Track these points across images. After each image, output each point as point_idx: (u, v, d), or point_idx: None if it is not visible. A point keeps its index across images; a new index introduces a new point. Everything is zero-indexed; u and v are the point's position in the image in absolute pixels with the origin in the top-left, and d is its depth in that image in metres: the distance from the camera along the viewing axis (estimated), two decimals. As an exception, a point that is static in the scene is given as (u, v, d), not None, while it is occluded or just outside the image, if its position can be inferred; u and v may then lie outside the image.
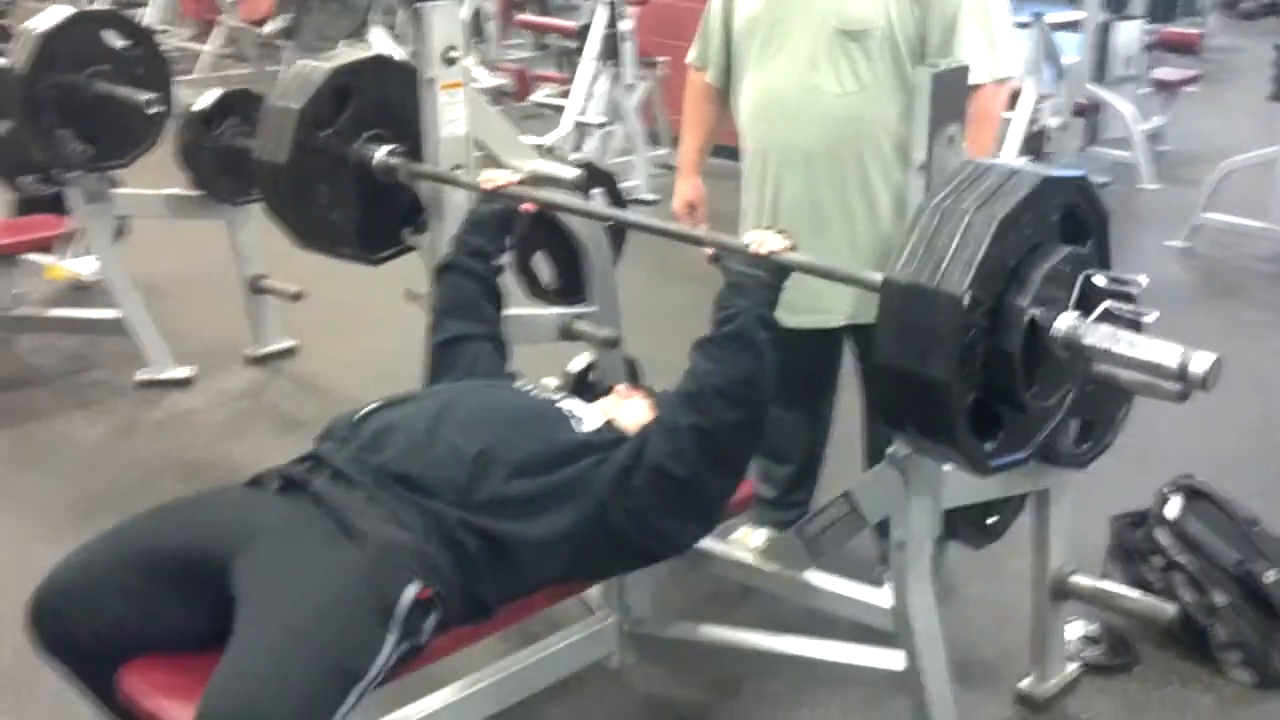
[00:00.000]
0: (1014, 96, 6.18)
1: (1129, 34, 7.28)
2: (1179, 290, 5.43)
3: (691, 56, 3.04)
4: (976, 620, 2.99)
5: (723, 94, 2.98)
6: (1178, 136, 7.91)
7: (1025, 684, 2.72)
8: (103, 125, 3.93)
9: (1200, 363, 1.77)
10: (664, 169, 6.89)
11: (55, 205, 4.90)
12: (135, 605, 1.99)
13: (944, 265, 1.82)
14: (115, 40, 3.96)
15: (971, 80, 2.50)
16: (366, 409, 2.25)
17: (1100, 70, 7.12)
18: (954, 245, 1.83)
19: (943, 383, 1.85)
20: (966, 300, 1.80)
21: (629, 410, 2.39)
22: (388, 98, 2.86)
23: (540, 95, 7.43)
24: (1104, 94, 7.00)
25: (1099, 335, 1.85)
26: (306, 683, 1.82)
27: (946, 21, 2.63)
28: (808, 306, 2.79)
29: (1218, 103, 9.14)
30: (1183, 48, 8.03)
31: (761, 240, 2.23)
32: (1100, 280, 1.90)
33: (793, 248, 2.24)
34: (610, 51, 6.33)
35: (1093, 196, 1.98)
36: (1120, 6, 7.31)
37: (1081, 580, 2.64)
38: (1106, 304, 1.88)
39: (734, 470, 2.24)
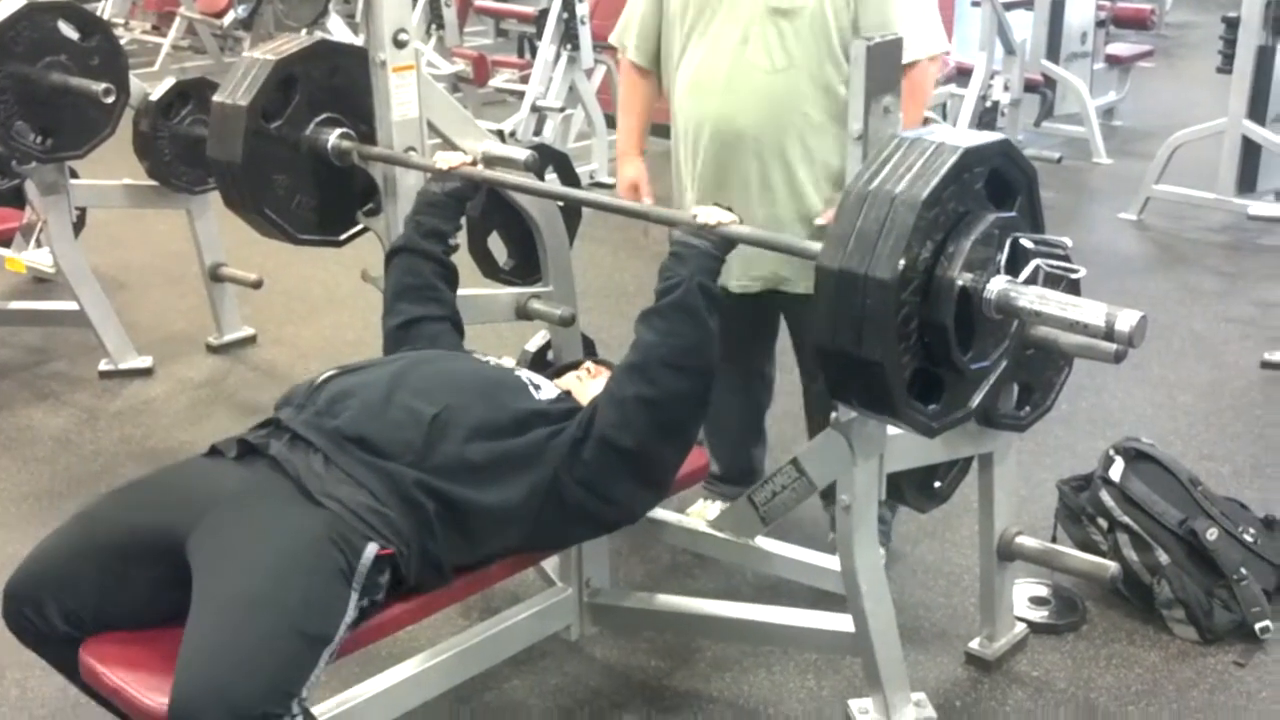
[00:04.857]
0: (965, 73, 6.26)
1: (1082, 10, 7.36)
2: (1132, 261, 5.51)
3: (614, 38, 3.09)
4: (926, 583, 3.06)
5: (652, 74, 3.03)
6: (1132, 111, 8.00)
7: (975, 644, 2.77)
8: (59, 116, 3.92)
9: (1126, 320, 1.82)
10: (624, 152, 6.93)
11: (13, 198, 4.91)
12: (104, 586, 2.02)
13: (873, 250, 1.87)
14: (70, 31, 3.95)
15: (907, 58, 2.58)
16: (324, 375, 2.29)
17: (1054, 46, 7.20)
18: (881, 230, 1.88)
19: (879, 363, 1.91)
20: (895, 283, 1.86)
21: (594, 388, 2.44)
22: (337, 81, 2.88)
23: (500, 80, 7.44)
24: (1057, 70, 7.07)
25: (1029, 297, 1.91)
26: (278, 653, 1.85)
27: (879, 2, 2.69)
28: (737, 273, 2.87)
29: (1172, 77, 9.26)
30: (1136, 23, 8.13)
31: (707, 214, 2.28)
32: (1028, 242, 1.96)
33: (739, 221, 2.29)
34: (568, 36, 6.36)
35: (1016, 156, 2.03)
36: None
37: (1027, 541, 2.70)
38: (1036, 262, 1.94)
39: (681, 439, 2.28)
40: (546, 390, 2.37)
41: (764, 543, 2.63)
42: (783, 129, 2.76)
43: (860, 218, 1.91)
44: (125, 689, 1.94)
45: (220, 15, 9.40)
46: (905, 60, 2.61)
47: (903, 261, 1.85)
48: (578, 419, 2.24)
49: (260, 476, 2.09)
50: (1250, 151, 5.68)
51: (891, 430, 2.30)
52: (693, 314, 2.18)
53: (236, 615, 1.88)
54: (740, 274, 2.87)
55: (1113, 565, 2.65)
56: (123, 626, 2.03)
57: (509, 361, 2.95)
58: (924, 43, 2.72)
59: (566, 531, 2.33)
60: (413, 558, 2.07)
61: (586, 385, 2.50)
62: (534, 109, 6.33)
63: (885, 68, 2.12)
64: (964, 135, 1.98)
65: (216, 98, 2.86)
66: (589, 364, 2.62)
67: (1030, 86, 6.80)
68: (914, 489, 2.66)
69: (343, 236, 3.06)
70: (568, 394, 2.43)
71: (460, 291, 2.70)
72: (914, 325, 1.92)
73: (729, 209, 2.32)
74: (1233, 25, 5.70)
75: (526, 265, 3.12)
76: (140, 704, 1.90)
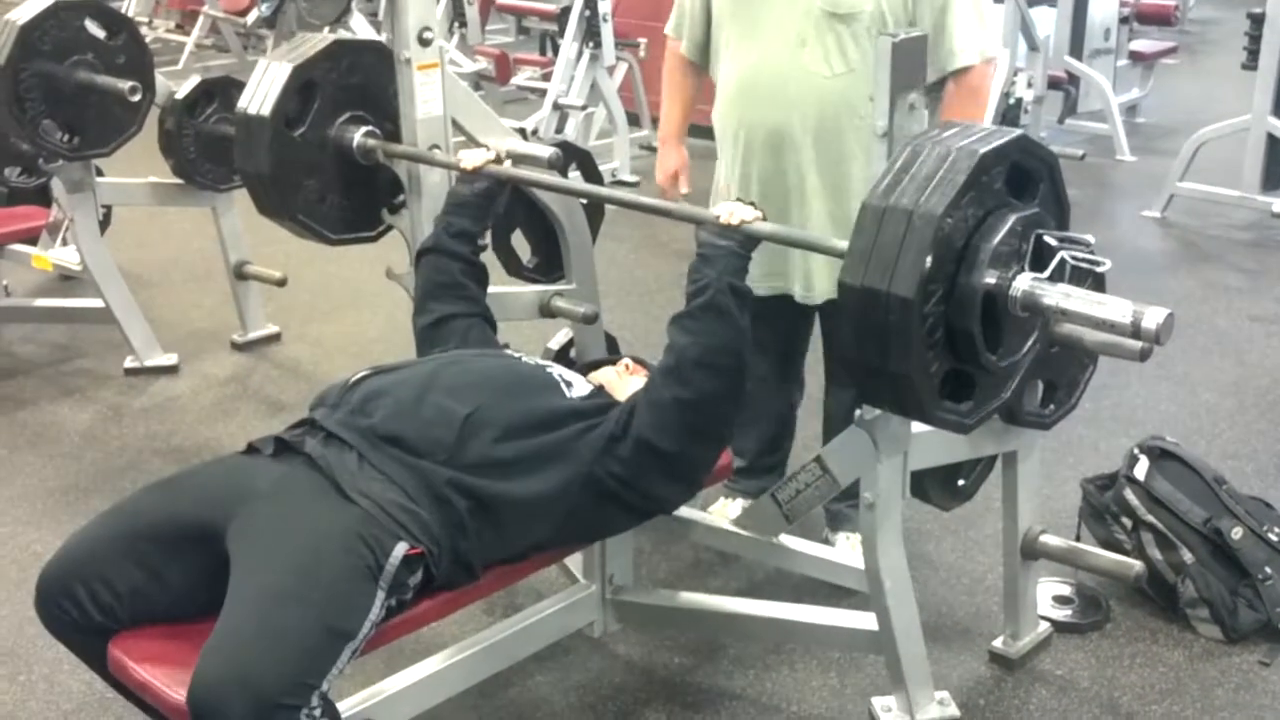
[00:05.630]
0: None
1: (1105, 6, 7.33)
2: (1156, 258, 5.49)
3: (669, 27, 3.07)
4: (949, 582, 3.06)
5: (698, 66, 3.03)
6: (1156, 108, 7.96)
7: (999, 643, 2.77)
8: (85, 114, 3.94)
9: (1153, 318, 1.82)
10: (645, 150, 6.94)
11: (40, 196, 4.94)
12: (139, 577, 2.03)
13: (894, 266, 1.87)
14: (96, 30, 3.98)
15: (966, 61, 2.70)
16: (358, 375, 2.32)
17: (1077, 43, 7.17)
18: (900, 245, 1.87)
19: (906, 375, 1.91)
20: (917, 299, 1.86)
21: (632, 384, 2.46)
22: (357, 79, 2.88)
23: (522, 78, 7.45)
24: (1080, 67, 7.04)
25: (1054, 295, 1.91)
26: (300, 645, 1.87)
27: (937, 4, 2.68)
28: (798, 274, 2.87)
29: (1196, 74, 9.20)
30: (1159, 20, 8.08)
31: (731, 211, 2.28)
32: (1051, 239, 1.95)
33: (763, 218, 2.29)
34: (590, 34, 6.36)
35: (1034, 148, 2.02)
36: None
37: (1050, 540, 2.69)
38: (1062, 254, 1.94)
39: (717, 438, 2.31)
40: (579, 387, 2.38)
41: (787, 540, 2.63)
42: (841, 134, 2.73)
43: (879, 232, 1.90)
44: (153, 683, 1.95)
45: (243, 14, 9.44)
46: (962, 64, 2.70)
47: (924, 275, 1.85)
48: (614, 415, 2.26)
49: (295, 473, 2.11)
50: (1275, 148, 5.65)
51: (916, 428, 2.29)
52: (723, 314, 2.19)
53: (261, 607, 1.90)
54: (802, 281, 2.87)
55: (1137, 564, 2.64)
56: (155, 620, 2.05)
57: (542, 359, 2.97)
58: (982, 46, 2.72)
59: (599, 523, 2.34)
60: (443, 557, 2.08)
61: (625, 381, 2.51)
62: (556, 107, 6.34)
63: (910, 64, 2.12)
64: (980, 137, 1.95)
65: (239, 108, 2.86)
66: (628, 360, 2.63)
67: (1054, 83, 6.78)
68: (938, 487, 2.65)
69: (375, 233, 3.07)
70: (600, 389, 2.44)
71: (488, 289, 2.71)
72: (940, 334, 1.92)
73: (752, 203, 2.32)
74: (1258, 21, 5.66)
75: (549, 263, 3.13)
76: (168, 699, 1.92)
